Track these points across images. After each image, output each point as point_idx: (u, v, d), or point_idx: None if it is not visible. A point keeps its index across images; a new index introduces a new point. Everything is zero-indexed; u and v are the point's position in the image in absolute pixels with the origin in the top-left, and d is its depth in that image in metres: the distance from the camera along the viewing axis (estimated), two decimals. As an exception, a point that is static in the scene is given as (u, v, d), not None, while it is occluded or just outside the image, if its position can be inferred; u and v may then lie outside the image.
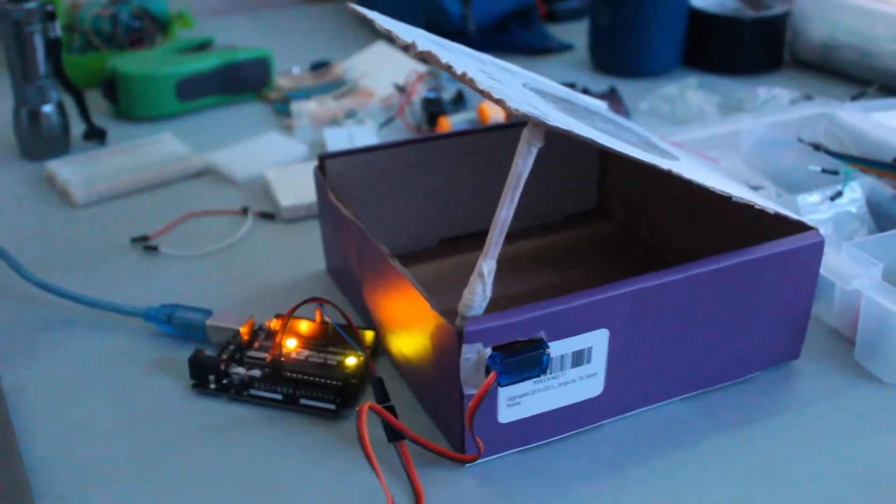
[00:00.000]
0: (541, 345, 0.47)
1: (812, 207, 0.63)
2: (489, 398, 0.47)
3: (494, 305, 0.46)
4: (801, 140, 0.72)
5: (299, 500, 0.48)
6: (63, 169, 0.80)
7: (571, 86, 0.93)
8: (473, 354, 0.46)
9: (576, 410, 0.50)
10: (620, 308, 0.48)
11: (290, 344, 0.57)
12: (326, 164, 0.62)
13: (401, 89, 0.90)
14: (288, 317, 0.56)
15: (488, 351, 0.46)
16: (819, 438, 0.51)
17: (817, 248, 0.53)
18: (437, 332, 0.48)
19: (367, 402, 0.45)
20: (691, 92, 0.91)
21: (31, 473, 0.49)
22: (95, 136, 0.87)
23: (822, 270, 0.54)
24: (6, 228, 0.73)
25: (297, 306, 0.56)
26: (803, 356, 0.56)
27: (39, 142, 0.84)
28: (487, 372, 0.46)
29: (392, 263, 0.51)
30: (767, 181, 0.69)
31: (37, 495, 0.47)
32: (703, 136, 0.72)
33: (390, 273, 0.52)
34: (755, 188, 0.68)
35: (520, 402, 0.48)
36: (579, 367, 0.49)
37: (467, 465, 0.50)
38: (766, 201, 0.54)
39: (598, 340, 0.49)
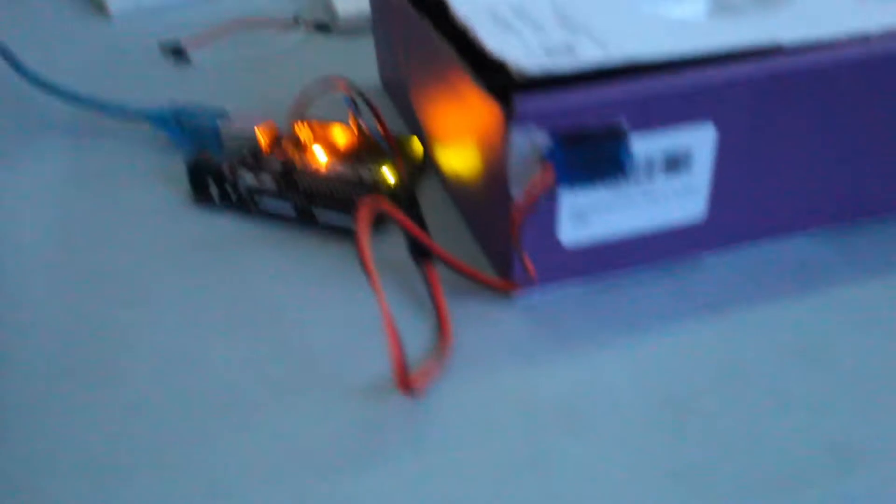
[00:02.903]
0: (619, 135, 0.34)
1: None
2: (546, 208, 0.35)
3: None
4: None
5: (296, 324, 0.37)
6: (102, -24, 0.70)
7: None
8: (525, 140, 0.33)
9: (666, 237, 0.38)
10: (737, 97, 0.35)
11: (318, 154, 0.46)
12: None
13: None
14: (300, 107, 0.44)
15: (546, 137, 0.33)
16: None
17: None
18: (481, 116, 0.35)
19: (378, 197, 0.34)
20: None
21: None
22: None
23: None
24: (28, 38, 0.63)
25: (311, 95, 0.44)
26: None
27: (81, -52, 0.74)
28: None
29: (434, 35, 0.39)
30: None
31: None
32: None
33: (432, 51, 0.40)
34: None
35: (589, 217, 0.36)
36: (674, 177, 0.36)
37: (514, 296, 0.37)
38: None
39: (701, 141, 0.36)
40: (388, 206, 0.34)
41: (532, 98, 0.33)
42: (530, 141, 0.33)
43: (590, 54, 0.34)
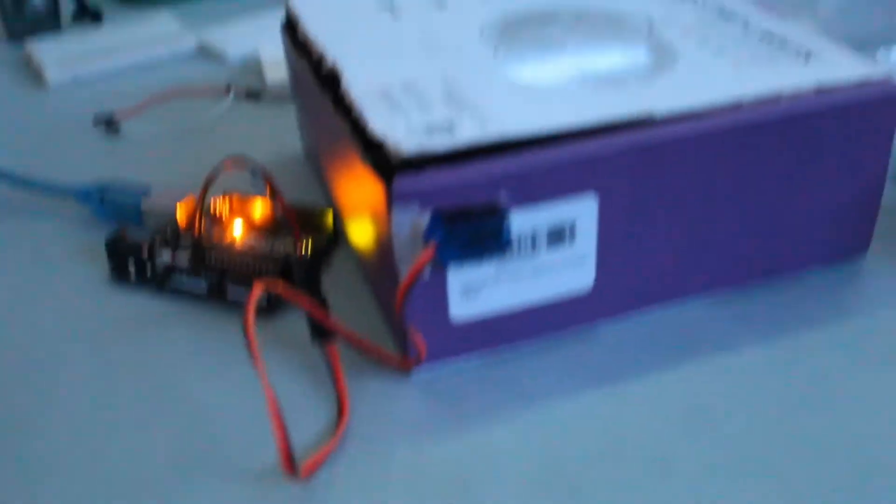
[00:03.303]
0: (498, 211, 0.35)
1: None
2: (436, 286, 0.36)
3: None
4: None
5: (200, 405, 0.38)
6: (41, 48, 0.71)
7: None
8: (407, 219, 0.34)
9: (558, 308, 0.39)
10: (615, 168, 0.36)
11: (235, 229, 0.47)
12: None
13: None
14: (203, 190, 0.45)
15: (426, 216, 0.34)
16: (887, 354, 0.38)
17: (892, 103, 0.39)
18: (370, 193, 0.36)
19: (273, 281, 0.35)
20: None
21: None
22: (88, 16, 0.78)
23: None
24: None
25: (209, 182, 0.44)
26: (873, 252, 0.43)
27: (23, 20, 0.75)
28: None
29: (331, 110, 0.40)
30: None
31: None
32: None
33: (332, 125, 0.41)
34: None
35: (478, 292, 0.37)
36: (559, 248, 0.37)
37: (412, 373, 0.38)
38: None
39: (583, 212, 0.37)
40: (282, 289, 0.35)
41: (411, 177, 0.34)
42: (411, 220, 0.34)
43: (467, 132, 0.35)
